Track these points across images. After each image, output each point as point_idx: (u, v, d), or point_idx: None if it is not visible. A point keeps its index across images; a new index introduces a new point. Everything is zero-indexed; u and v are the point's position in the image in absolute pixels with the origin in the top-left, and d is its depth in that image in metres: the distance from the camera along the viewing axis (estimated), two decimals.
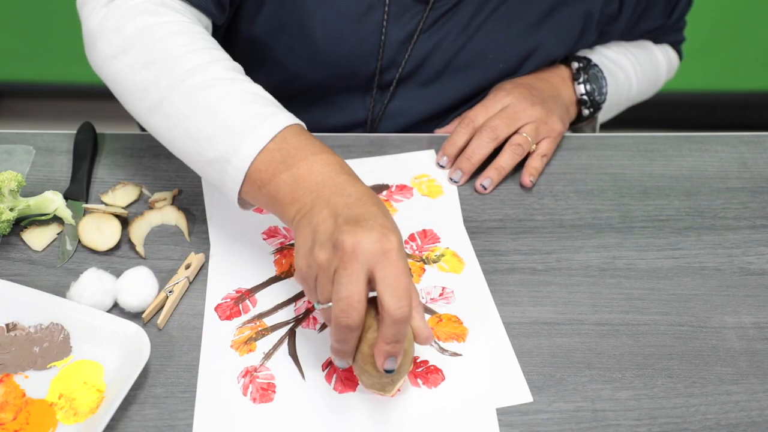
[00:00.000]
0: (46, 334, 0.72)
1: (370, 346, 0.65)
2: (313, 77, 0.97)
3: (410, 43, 0.95)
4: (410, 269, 0.64)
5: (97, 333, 0.71)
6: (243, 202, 0.75)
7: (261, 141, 0.70)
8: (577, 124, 1.05)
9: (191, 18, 0.81)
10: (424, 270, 0.81)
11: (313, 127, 0.99)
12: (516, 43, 0.97)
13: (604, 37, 1.06)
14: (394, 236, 0.64)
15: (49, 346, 0.71)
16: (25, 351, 0.71)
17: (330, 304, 0.64)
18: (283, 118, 0.72)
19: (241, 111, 0.72)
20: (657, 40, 1.14)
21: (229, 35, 0.97)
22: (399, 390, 0.69)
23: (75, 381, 0.69)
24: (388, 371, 0.65)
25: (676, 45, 1.17)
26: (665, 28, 1.11)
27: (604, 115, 1.07)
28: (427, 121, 1.02)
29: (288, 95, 0.98)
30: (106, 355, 0.71)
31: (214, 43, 0.79)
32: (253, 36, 0.95)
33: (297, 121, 0.74)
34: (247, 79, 0.76)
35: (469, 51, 0.96)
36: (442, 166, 0.93)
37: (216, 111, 0.72)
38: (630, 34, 1.08)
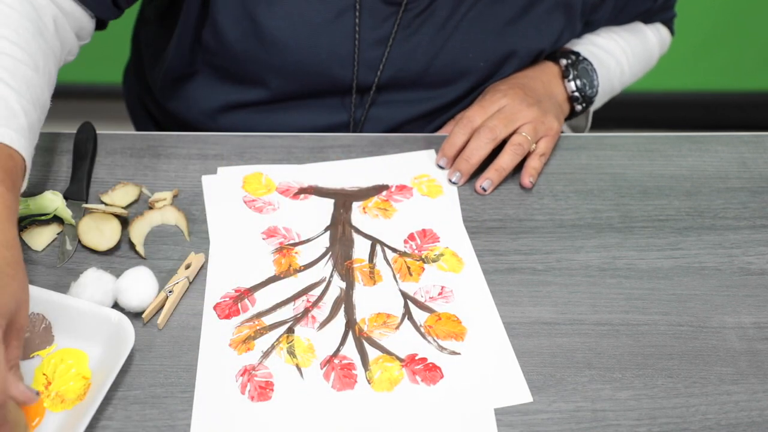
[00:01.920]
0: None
1: None
2: (291, 86, 0.97)
3: (386, 47, 0.94)
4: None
5: (80, 321, 0.71)
6: None
7: None
8: (570, 118, 1.05)
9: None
10: (423, 269, 0.81)
11: (297, 128, 0.99)
12: (495, 40, 0.96)
13: (590, 26, 1.05)
14: None
15: (31, 336, 0.71)
16: None
17: None
18: None
19: None
20: (647, 21, 1.13)
21: (201, 49, 0.96)
22: None
23: (59, 369, 0.69)
24: None
25: (668, 22, 1.16)
26: (654, 10, 1.10)
27: (597, 102, 1.07)
28: (411, 124, 1.02)
29: (270, 100, 0.98)
30: (90, 342, 0.71)
31: (9, 33, 0.73)
32: (223, 48, 0.94)
33: None
34: (12, 79, 0.71)
35: (448, 52, 0.96)
36: (441, 167, 0.93)
37: None
38: (618, 19, 1.08)
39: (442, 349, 0.74)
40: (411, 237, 0.85)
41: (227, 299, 0.77)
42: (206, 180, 0.89)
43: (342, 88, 0.97)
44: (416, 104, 1.00)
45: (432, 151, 0.95)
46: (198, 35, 0.95)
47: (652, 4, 1.08)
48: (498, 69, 0.99)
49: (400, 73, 0.96)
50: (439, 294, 0.79)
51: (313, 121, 1.00)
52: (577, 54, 1.02)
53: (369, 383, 0.71)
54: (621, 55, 1.08)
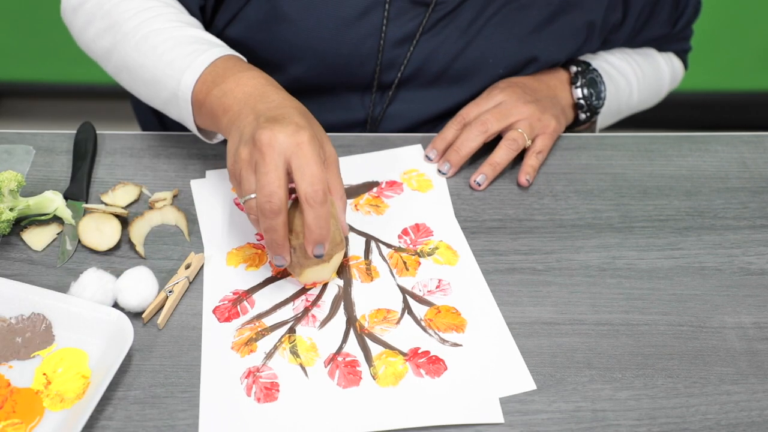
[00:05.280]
0: (28, 324, 0.72)
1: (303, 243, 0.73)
2: (309, 78, 0.97)
3: (410, 45, 0.95)
4: (323, 160, 0.73)
5: (80, 321, 0.72)
6: (204, 133, 0.86)
7: (197, 71, 0.81)
8: (574, 128, 1.05)
9: None
10: (420, 263, 0.81)
11: None
12: (516, 49, 0.97)
13: (607, 44, 1.05)
14: (306, 131, 0.71)
15: (32, 335, 0.72)
16: (7, 342, 0.71)
17: (253, 195, 0.72)
18: (217, 51, 0.82)
19: (179, 51, 0.83)
20: (661, 48, 1.13)
21: (222, 38, 0.96)
22: (335, 275, 0.79)
23: (60, 369, 0.69)
24: (318, 256, 0.72)
25: (682, 54, 1.16)
26: (670, 37, 1.10)
27: (603, 121, 1.07)
28: (426, 125, 1.02)
29: (287, 89, 0.98)
30: (90, 341, 0.71)
31: (163, 2, 0.88)
32: (245, 38, 0.95)
33: (232, 52, 0.83)
34: (190, 24, 0.87)
35: (468, 55, 0.96)
36: (430, 159, 0.93)
37: (160, 55, 0.83)
38: (633, 41, 1.08)
39: (443, 341, 0.74)
40: (405, 232, 0.85)
41: (226, 302, 0.77)
42: (195, 184, 0.89)
43: (361, 84, 0.98)
44: (433, 103, 1.00)
45: (419, 146, 0.96)
46: (222, 34, 0.97)
47: (669, 30, 1.08)
48: (516, 75, 0.99)
49: (419, 72, 0.97)
50: (437, 287, 0.79)
51: (331, 118, 1.00)
52: (588, 63, 1.02)
53: (374, 379, 0.71)
54: (632, 76, 1.08)
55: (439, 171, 0.92)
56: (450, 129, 0.93)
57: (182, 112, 0.83)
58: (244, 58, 0.84)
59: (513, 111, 0.92)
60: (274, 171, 0.70)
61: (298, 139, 0.70)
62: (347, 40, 0.92)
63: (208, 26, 0.98)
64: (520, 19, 0.95)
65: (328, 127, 0.99)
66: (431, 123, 1.02)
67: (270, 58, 0.95)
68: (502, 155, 0.91)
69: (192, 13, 0.93)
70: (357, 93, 0.99)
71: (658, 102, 1.17)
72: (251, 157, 0.72)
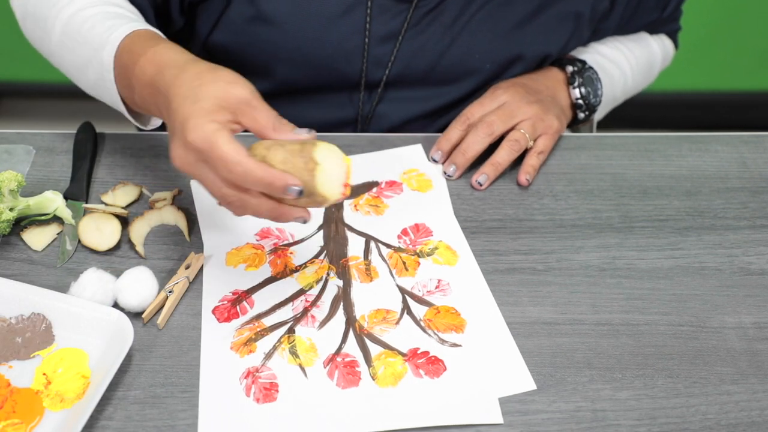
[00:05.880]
0: (28, 324, 0.72)
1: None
2: (297, 79, 0.97)
3: (395, 43, 0.95)
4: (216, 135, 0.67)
5: (80, 321, 0.72)
6: (138, 117, 0.84)
7: (112, 51, 0.78)
8: (572, 126, 1.05)
9: None
10: (419, 263, 0.81)
11: (304, 123, 0.99)
12: (502, 43, 0.97)
13: (597, 34, 1.05)
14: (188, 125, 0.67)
15: (32, 335, 0.72)
16: (7, 342, 0.71)
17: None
18: (127, 27, 0.80)
19: (98, 30, 0.81)
20: (653, 31, 1.13)
21: (207, 45, 0.97)
22: (344, 195, 0.69)
23: (60, 369, 0.70)
24: (299, 193, 0.66)
25: (673, 34, 1.17)
26: (660, 21, 1.11)
27: (600, 111, 1.07)
28: (417, 122, 1.02)
29: (275, 94, 0.98)
30: (90, 341, 0.71)
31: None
32: (230, 42, 0.95)
33: (143, 27, 0.81)
34: (110, 2, 0.85)
35: (454, 52, 0.96)
36: (435, 161, 0.93)
37: (83, 39, 0.81)
38: (625, 28, 1.08)
39: (443, 341, 0.74)
40: (404, 232, 0.85)
41: (225, 302, 0.77)
42: (195, 184, 0.89)
43: (349, 83, 0.98)
44: (422, 102, 1.00)
45: (419, 146, 0.96)
46: (207, 41, 0.96)
47: (659, 14, 1.08)
48: (504, 71, 0.99)
49: (406, 70, 0.97)
50: (437, 287, 0.79)
51: (321, 117, 1.00)
52: (584, 62, 1.02)
53: (373, 379, 0.71)
54: (626, 65, 1.08)
55: (445, 173, 0.92)
56: (454, 130, 0.93)
57: (113, 92, 0.80)
58: (153, 30, 0.81)
59: (517, 112, 0.92)
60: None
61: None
62: (331, 39, 0.92)
63: (191, 36, 0.98)
64: (504, 15, 0.95)
65: (320, 126, 0.99)
66: (422, 121, 1.02)
67: (256, 61, 0.95)
68: (504, 155, 0.91)
69: (147, 17, 0.91)
70: (346, 92, 0.99)
71: (650, 83, 1.18)
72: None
